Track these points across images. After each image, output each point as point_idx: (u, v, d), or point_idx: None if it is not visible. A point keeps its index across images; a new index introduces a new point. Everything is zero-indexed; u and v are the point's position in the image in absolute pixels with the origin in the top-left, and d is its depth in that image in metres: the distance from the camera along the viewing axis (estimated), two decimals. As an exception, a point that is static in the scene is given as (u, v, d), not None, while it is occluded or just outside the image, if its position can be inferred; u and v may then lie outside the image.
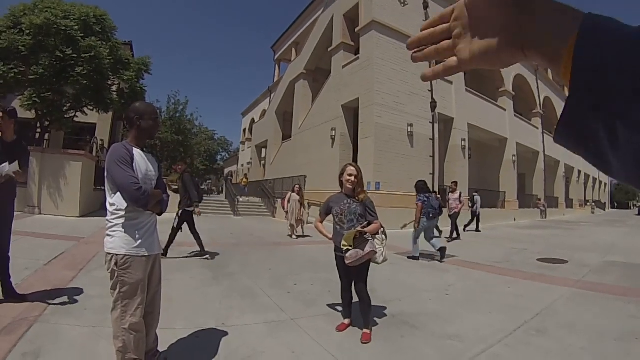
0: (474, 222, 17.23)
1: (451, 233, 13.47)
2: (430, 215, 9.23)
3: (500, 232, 17.44)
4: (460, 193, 14.47)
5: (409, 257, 9.31)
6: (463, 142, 22.31)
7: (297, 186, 13.75)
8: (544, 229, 19.93)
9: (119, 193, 2.81)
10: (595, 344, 4.13)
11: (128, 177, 2.77)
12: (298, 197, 13.35)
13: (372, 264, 4.28)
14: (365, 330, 4.18)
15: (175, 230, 8.43)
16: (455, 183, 14.98)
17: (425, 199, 9.28)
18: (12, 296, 4.50)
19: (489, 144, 27.27)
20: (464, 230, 16.17)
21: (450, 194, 14.54)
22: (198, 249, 8.59)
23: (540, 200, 30.24)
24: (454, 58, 0.62)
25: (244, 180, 22.97)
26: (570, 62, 0.43)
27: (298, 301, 5.49)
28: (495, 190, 26.67)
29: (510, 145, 27.23)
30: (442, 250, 9.15)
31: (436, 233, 10.41)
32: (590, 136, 0.44)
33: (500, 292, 6.43)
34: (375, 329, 4.44)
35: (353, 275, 4.31)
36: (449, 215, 13.45)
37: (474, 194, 17.73)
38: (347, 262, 4.04)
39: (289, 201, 13.40)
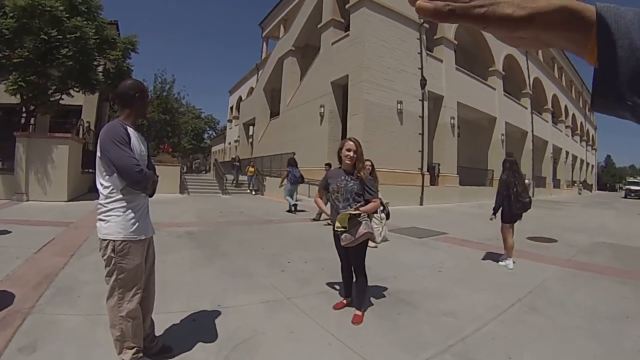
0: None
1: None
2: (292, 181, 13.56)
3: (489, 210, 17.34)
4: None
5: (287, 211, 13.60)
6: (452, 120, 22.24)
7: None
8: (531, 209, 19.87)
9: (115, 174, 2.66)
10: (587, 322, 4.13)
11: (129, 158, 2.63)
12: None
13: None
14: (357, 312, 4.08)
15: None
16: (329, 165, 12.67)
17: (291, 169, 13.61)
18: None
19: (478, 122, 27.24)
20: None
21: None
22: (187, 229, 8.79)
23: (528, 182, 30.13)
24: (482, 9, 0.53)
25: (251, 169, 22.44)
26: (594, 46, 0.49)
27: (293, 280, 5.42)
28: (484, 168, 26.65)
29: (499, 124, 27.27)
30: (295, 206, 13.66)
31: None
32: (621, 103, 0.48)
33: (492, 270, 6.46)
34: (372, 306, 4.42)
35: (350, 255, 4.19)
36: None
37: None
38: (342, 243, 3.96)
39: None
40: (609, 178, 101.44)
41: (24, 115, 15.81)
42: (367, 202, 4.07)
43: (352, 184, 4.05)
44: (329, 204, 4.36)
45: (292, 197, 13.67)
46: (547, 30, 0.52)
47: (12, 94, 13.80)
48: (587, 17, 0.49)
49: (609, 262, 7.26)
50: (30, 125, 16.00)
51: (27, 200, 12.85)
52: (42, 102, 14.84)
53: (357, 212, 3.88)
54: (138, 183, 2.67)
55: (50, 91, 14.88)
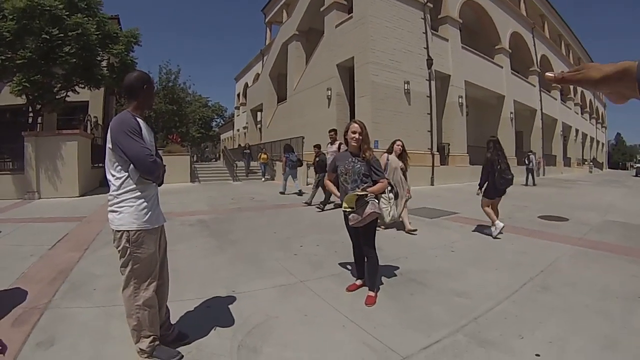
0: (530, 176, 21.19)
1: (325, 199, 10.70)
2: (290, 166, 14.12)
3: (498, 190, 17.35)
4: (340, 144, 10.37)
5: (280, 192, 14.48)
6: (460, 99, 22.07)
7: (398, 142, 7.89)
8: (542, 187, 19.91)
9: (129, 165, 2.68)
10: (599, 301, 4.11)
11: (143, 149, 2.65)
12: (400, 163, 7.81)
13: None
14: (369, 293, 4.12)
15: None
16: (334, 130, 11.43)
17: (288, 155, 14.29)
18: None
19: (486, 101, 27.00)
20: (527, 184, 20.69)
21: (329, 145, 11.25)
22: (199, 218, 9.01)
23: (539, 161, 29.81)
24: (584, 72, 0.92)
25: (264, 156, 22.27)
26: None
27: (305, 263, 5.46)
28: (493, 148, 26.39)
29: (508, 103, 26.99)
30: (300, 191, 14.41)
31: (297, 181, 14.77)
32: None
33: (504, 249, 6.41)
34: (384, 287, 4.46)
35: (360, 235, 4.22)
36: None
37: (529, 153, 22.71)
38: (350, 223, 4.02)
39: (385, 169, 7.55)
40: (620, 156, 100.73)
41: (31, 114, 15.92)
42: (374, 182, 4.11)
43: (359, 166, 4.09)
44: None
45: (294, 180, 14.59)
46: (615, 83, 0.83)
47: (18, 95, 13.91)
48: (634, 71, 0.78)
49: (620, 240, 7.16)
50: (38, 124, 16.14)
51: (39, 198, 13.02)
52: (48, 101, 14.91)
53: (363, 192, 3.92)
54: (152, 173, 2.70)
55: (56, 89, 14.96)
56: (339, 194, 4.29)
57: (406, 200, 7.75)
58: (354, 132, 4.12)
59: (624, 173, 54.92)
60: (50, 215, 9.65)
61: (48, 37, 12.83)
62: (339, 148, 10.10)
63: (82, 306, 3.89)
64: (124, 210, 2.71)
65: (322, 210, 10.10)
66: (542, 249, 6.40)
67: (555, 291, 4.40)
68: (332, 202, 10.49)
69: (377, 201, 4.05)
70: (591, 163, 47.37)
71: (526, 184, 20.61)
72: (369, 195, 3.94)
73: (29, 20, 12.67)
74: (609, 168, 68.29)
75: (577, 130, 43.22)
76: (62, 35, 13.00)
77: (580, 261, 5.67)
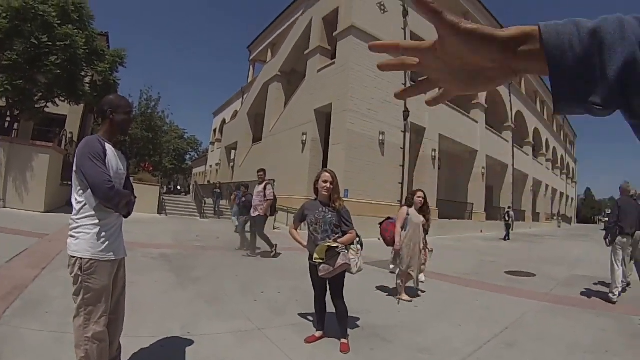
0: (507, 231, 22.13)
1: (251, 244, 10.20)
2: (239, 204, 12.68)
3: (467, 244, 17.62)
4: (267, 184, 9.95)
5: (234, 232, 13.17)
6: (433, 152, 22.40)
7: (419, 194, 6.69)
8: (511, 242, 20.22)
9: (89, 190, 2.61)
10: (566, 356, 4.14)
11: (101, 174, 2.57)
12: (422, 219, 6.62)
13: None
14: (343, 341, 4.12)
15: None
16: (263, 171, 10.43)
17: (238, 193, 13.19)
18: None
19: (459, 155, 27.50)
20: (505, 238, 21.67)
21: (257, 185, 10.14)
22: (162, 251, 8.76)
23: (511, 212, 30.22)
24: (437, 90, 0.71)
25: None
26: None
27: (265, 310, 5.35)
28: (464, 201, 26.79)
29: (480, 157, 27.50)
30: (236, 228, 13.14)
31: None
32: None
33: (470, 304, 6.42)
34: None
35: (328, 286, 4.21)
36: (253, 218, 10.05)
37: (508, 209, 23.92)
38: (320, 274, 3.97)
39: (403, 226, 6.53)
40: (589, 210, 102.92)
41: (8, 119, 15.65)
42: (344, 233, 4.13)
43: (330, 216, 4.10)
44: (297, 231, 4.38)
45: (236, 218, 13.97)
46: (509, 50, 0.57)
47: None
48: (536, 36, 0.55)
49: (588, 295, 7.31)
50: (13, 131, 15.89)
51: (4, 207, 12.67)
52: (27, 108, 14.78)
53: (336, 244, 3.91)
54: (109, 200, 2.62)
55: (36, 98, 14.82)
56: (305, 243, 4.25)
57: (423, 263, 6.74)
58: (325, 181, 4.12)
59: (593, 227, 56.13)
60: (12, 226, 9.36)
61: (37, 42, 12.80)
62: (264, 189, 9.82)
63: (32, 328, 3.76)
64: (81, 236, 2.64)
65: (249, 256, 9.72)
66: (508, 305, 6.42)
67: (522, 347, 4.38)
68: (259, 247, 10.19)
69: (347, 252, 4.04)
70: (560, 218, 48.23)
71: (504, 239, 21.73)
72: (339, 246, 3.93)
73: (21, 22, 12.67)
74: (578, 222, 69.76)
75: (547, 186, 44.24)
76: (50, 43, 12.98)
77: (547, 316, 5.70)
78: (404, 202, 8.06)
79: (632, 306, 6.57)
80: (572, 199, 64.28)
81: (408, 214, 6.48)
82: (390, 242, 6.51)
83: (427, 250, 6.84)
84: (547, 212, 44.71)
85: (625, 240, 7.09)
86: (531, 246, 17.98)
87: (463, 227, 23.97)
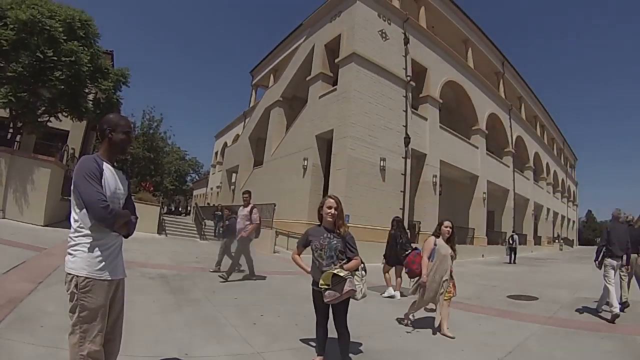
0: (513, 255, 22.42)
1: (231, 268, 9.57)
2: (223, 227, 14.29)
3: (469, 269, 17.49)
4: (254, 207, 9.81)
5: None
6: (434, 178, 22.43)
7: (447, 223, 6.42)
8: (513, 266, 20.10)
9: (85, 209, 2.61)
10: None
11: (95, 194, 2.57)
12: (450, 250, 6.23)
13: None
14: None
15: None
16: (249, 193, 10.41)
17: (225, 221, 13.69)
18: None
19: (460, 180, 27.56)
20: (510, 262, 21.90)
21: (242, 208, 9.99)
22: (160, 272, 8.82)
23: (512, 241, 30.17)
24: None
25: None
26: None
27: (264, 334, 5.30)
28: (465, 226, 26.72)
29: (481, 182, 27.52)
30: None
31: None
32: None
33: (472, 329, 6.36)
34: None
35: (332, 312, 4.19)
36: (237, 240, 9.79)
37: (513, 233, 24.51)
38: (325, 300, 3.95)
39: (429, 257, 6.24)
40: (591, 232, 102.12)
41: (11, 130, 15.70)
42: (349, 259, 4.12)
43: (335, 242, 4.08)
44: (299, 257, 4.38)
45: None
46: None
47: (2, 107, 13.71)
48: None
49: (591, 317, 7.27)
50: (16, 142, 15.95)
51: (4, 218, 12.62)
52: (30, 121, 14.78)
53: (343, 271, 3.91)
54: (103, 220, 2.60)
55: (39, 111, 14.87)
56: (308, 269, 4.25)
57: (450, 298, 6.22)
58: (330, 207, 4.12)
59: (594, 249, 55.82)
60: (11, 238, 9.32)
61: (42, 56, 12.86)
62: (250, 212, 9.63)
63: (26, 341, 3.75)
64: (78, 254, 2.64)
65: (226, 280, 9.16)
66: (511, 329, 6.38)
67: None
68: (242, 271, 10.07)
69: (352, 278, 4.03)
70: (561, 241, 48.03)
71: (509, 262, 21.83)
72: (346, 273, 3.94)
73: (28, 35, 12.76)
74: (579, 245, 69.23)
75: (548, 209, 44.12)
76: (55, 58, 13.04)
77: (550, 340, 5.66)
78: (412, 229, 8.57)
79: (636, 326, 6.58)
80: (573, 221, 63.96)
81: (435, 244, 6.21)
82: (417, 273, 6.31)
83: (453, 280, 6.43)
84: (548, 235, 44.48)
85: (615, 262, 7.47)
86: (533, 270, 17.86)
87: (464, 252, 23.86)
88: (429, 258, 6.16)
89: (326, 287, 3.90)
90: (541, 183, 41.73)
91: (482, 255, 25.60)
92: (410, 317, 6.39)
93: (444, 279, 6.06)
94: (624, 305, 7.92)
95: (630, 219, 8.85)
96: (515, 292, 10.24)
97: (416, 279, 6.29)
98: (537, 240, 39.89)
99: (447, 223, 6.37)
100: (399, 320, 6.41)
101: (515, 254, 22.67)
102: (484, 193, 27.67)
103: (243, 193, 10.35)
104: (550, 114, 46.94)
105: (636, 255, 8.14)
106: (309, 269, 4.25)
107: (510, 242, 23.13)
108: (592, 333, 5.89)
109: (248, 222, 9.53)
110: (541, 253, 35.77)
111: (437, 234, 6.37)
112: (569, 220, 58.17)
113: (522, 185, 34.70)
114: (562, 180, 52.27)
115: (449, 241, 6.30)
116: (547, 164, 43.73)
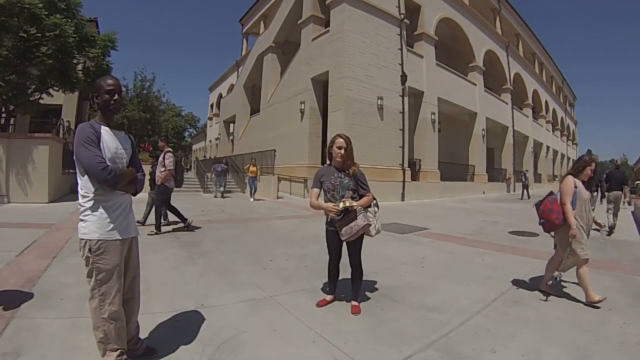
0: (526, 191, 24.30)
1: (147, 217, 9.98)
2: (216, 174, 18.37)
3: (470, 205, 17.64)
4: (167, 152, 9.05)
5: (215, 197, 18.29)
6: (433, 115, 22.30)
7: (592, 165, 5.08)
8: (513, 203, 20.25)
9: (87, 175, 2.65)
10: (570, 314, 4.17)
11: (93, 157, 2.59)
12: (588, 193, 5.02)
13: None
14: (353, 303, 4.21)
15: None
16: (165, 138, 10.30)
17: (215, 166, 18.64)
18: None
19: (459, 117, 27.39)
20: (522, 198, 23.58)
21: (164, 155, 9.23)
22: (168, 227, 8.89)
23: (509, 177, 30.44)
24: None
25: (252, 169, 18.08)
26: None
27: (275, 277, 5.38)
28: (465, 163, 26.82)
29: (480, 119, 27.36)
30: (222, 194, 18.32)
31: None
32: None
33: (475, 264, 6.47)
34: None
35: (347, 249, 4.23)
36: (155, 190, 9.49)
37: (525, 171, 27.28)
38: (342, 239, 4.01)
39: (574, 200, 4.82)
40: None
41: (4, 115, 15.59)
42: (361, 196, 4.15)
43: (347, 180, 4.10)
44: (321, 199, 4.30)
45: (219, 185, 18.46)
46: None
47: None
48: None
49: (591, 254, 7.30)
50: (10, 126, 15.76)
51: (8, 202, 12.60)
52: (22, 102, 14.63)
53: (352, 204, 3.92)
54: (104, 181, 2.62)
55: (30, 90, 14.71)
56: (331, 207, 3.98)
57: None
58: (340, 148, 4.10)
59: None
60: (19, 220, 9.36)
61: (25, 36, 12.58)
62: (163, 158, 8.86)
63: (49, 316, 3.75)
64: (88, 219, 2.67)
65: (156, 233, 8.56)
66: (513, 264, 6.46)
67: (526, 304, 4.42)
68: (171, 223, 9.84)
69: (366, 213, 4.06)
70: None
71: (522, 198, 23.44)
72: (359, 208, 3.96)
73: (7, 17, 12.42)
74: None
75: (548, 147, 44.11)
76: (39, 35, 12.75)
77: None
78: (520, 172, 8.18)
79: (635, 266, 6.66)
80: (573, 160, 64.15)
81: (576, 187, 4.80)
82: (557, 225, 4.87)
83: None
84: (548, 173, 44.64)
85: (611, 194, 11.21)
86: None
87: (465, 188, 24.15)
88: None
89: (341, 223, 3.95)
90: (540, 121, 41.47)
91: (483, 192, 25.81)
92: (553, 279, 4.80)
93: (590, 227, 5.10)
94: (611, 228, 10.46)
95: (618, 163, 12.48)
96: (517, 228, 10.50)
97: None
98: (538, 178, 40.02)
99: (592, 164, 4.98)
100: (542, 292, 4.88)
101: (527, 190, 24.23)
102: (483, 130, 27.58)
103: (159, 140, 9.92)
104: (549, 52, 46.32)
105: (619, 192, 11.23)
106: (331, 205, 4.06)
107: (523, 179, 24.80)
108: (591, 270, 5.82)
109: (163, 169, 8.83)
110: (542, 190, 35.79)
111: (575, 173, 4.97)
112: (568, 158, 58.25)
113: (522, 123, 34.53)
114: (562, 118, 52.00)
115: (589, 183, 5.07)
116: (546, 101, 43.36)
